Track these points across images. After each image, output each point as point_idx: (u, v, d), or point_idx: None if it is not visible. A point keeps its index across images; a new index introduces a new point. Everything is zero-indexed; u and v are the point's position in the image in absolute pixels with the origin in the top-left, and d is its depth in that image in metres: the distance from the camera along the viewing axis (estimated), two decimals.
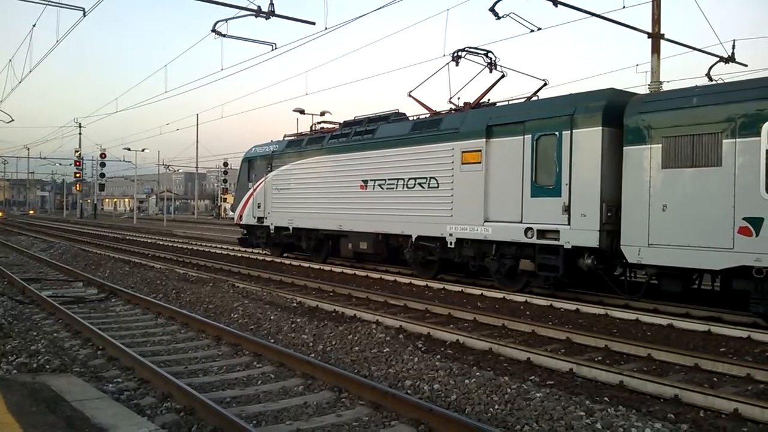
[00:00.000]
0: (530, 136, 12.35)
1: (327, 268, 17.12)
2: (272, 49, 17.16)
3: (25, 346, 7.56)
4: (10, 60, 25.30)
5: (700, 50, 17.76)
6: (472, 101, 15.07)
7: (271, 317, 9.93)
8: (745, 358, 7.81)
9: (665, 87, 16.10)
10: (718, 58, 16.98)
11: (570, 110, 11.73)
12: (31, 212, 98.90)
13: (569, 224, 11.55)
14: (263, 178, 20.87)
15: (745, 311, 9.72)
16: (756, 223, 9.10)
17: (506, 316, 10.36)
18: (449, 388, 6.20)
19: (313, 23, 16.39)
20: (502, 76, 15.26)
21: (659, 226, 10.28)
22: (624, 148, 10.87)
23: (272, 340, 8.58)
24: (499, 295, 12.30)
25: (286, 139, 20.75)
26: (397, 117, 16.74)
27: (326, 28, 15.85)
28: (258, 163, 21.39)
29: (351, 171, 16.95)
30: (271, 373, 6.99)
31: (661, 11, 16.33)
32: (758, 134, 9.15)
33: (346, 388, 6.18)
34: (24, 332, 8.51)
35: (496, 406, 5.66)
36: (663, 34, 16.46)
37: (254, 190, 21.42)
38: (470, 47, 15.33)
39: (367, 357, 7.48)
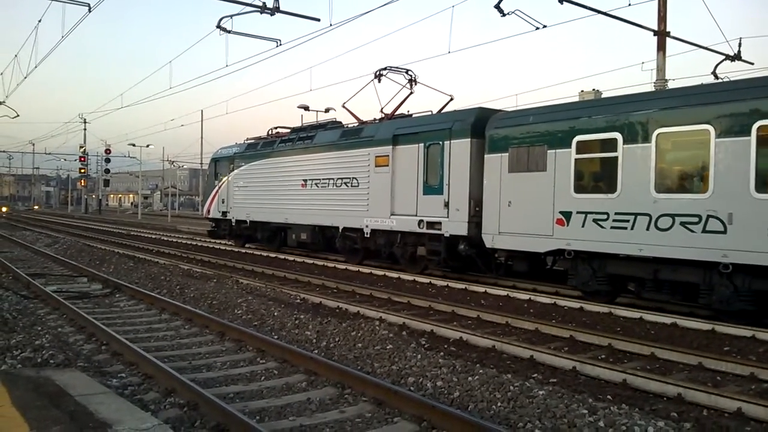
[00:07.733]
0: (423, 144, 14.93)
1: (331, 264, 17.19)
2: (277, 46, 17.20)
3: (30, 340, 7.60)
4: (16, 55, 25.33)
5: (706, 48, 17.68)
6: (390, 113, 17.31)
7: (275, 313, 9.96)
8: (749, 357, 7.79)
9: (671, 85, 16.06)
10: (724, 56, 16.91)
11: (449, 124, 14.28)
12: (36, 207, 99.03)
13: (448, 217, 14.14)
14: (226, 177, 23.38)
15: (567, 285, 12.14)
16: (567, 215, 11.65)
17: (510, 313, 10.36)
18: (452, 385, 6.21)
19: (318, 20, 16.37)
20: (410, 94, 17.74)
21: (506, 218, 12.84)
22: (485, 155, 13.39)
23: (276, 336, 8.59)
24: (502, 292, 12.32)
25: (246, 142, 23.11)
26: (334, 125, 19.28)
27: (331, 25, 15.91)
28: (222, 163, 24.00)
29: (294, 171, 19.45)
30: (274, 369, 7.02)
31: (667, 9, 16.24)
32: (569, 146, 11.65)
33: (349, 385, 6.20)
34: (28, 327, 8.54)
35: (499, 404, 5.67)
36: (669, 32, 16.37)
37: (219, 187, 23.96)
38: (392, 66, 17.71)
39: (370, 354, 7.49)
